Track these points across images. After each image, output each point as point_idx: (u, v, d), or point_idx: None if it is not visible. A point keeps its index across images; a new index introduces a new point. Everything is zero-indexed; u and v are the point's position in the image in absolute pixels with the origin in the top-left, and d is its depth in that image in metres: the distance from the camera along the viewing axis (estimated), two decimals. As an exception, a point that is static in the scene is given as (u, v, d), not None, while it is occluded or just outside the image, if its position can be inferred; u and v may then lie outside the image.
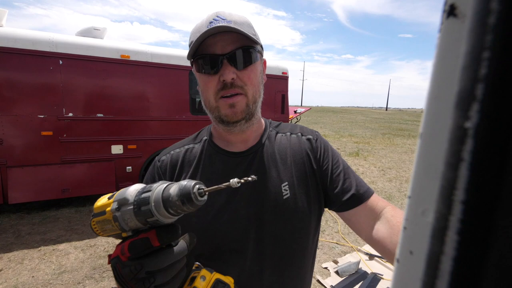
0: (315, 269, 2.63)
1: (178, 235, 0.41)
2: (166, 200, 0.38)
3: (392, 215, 0.60)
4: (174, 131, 4.18)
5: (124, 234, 0.42)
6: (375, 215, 0.63)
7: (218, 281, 0.46)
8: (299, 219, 0.64)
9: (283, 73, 5.08)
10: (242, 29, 0.57)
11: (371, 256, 2.86)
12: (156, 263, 0.38)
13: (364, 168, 6.91)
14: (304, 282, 0.70)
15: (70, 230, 3.30)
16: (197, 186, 0.38)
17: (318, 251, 2.89)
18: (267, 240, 0.62)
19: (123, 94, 3.83)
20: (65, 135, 3.56)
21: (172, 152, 0.71)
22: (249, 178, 0.41)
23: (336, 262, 2.77)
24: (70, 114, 3.55)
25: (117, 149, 3.87)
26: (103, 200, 0.44)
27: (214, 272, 0.47)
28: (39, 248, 2.89)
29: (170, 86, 4.12)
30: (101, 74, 3.68)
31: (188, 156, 0.69)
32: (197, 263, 0.49)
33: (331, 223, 3.68)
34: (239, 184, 0.40)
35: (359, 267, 2.64)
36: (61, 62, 3.44)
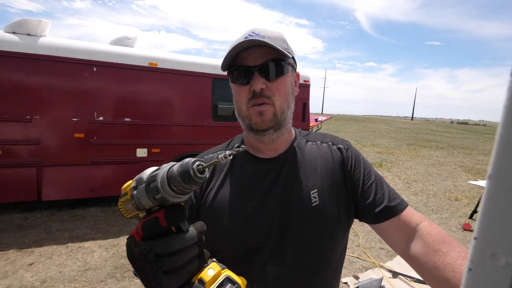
0: (335, 283, 2.54)
1: (184, 215, 0.41)
2: (169, 178, 0.39)
3: (428, 232, 0.58)
4: (196, 136, 4.28)
5: (140, 215, 0.44)
6: (409, 230, 0.61)
7: (227, 278, 0.43)
8: (327, 227, 0.64)
9: (304, 81, 5.07)
10: (273, 44, 0.61)
11: (395, 274, 2.72)
12: (164, 246, 0.38)
13: (387, 180, 6.64)
14: None
15: (96, 229, 3.45)
16: (196, 162, 0.38)
17: (337, 265, 2.80)
18: (291, 246, 0.63)
19: (149, 100, 4.00)
20: (95, 138, 3.76)
21: (205, 156, 0.75)
22: (240, 149, 0.42)
23: (356, 277, 2.67)
24: (101, 118, 3.76)
25: (141, 152, 4.03)
26: (128, 182, 0.47)
27: (226, 269, 0.44)
28: (67, 245, 3.05)
29: (193, 92, 4.25)
30: (130, 81, 3.87)
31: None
32: (213, 259, 0.46)
33: (352, 236, 3.55)
34: (231, 156, 0.40)
35: (382, 284, 2.52)
36: (95, 69, 3.66)
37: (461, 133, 28.14)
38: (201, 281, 0.41)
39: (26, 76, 3.39)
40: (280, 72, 0.64)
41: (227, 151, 0.40)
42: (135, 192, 0.42)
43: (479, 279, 0.11)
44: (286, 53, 0.63)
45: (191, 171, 0.37)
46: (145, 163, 4.05)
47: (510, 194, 0.10)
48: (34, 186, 3.54)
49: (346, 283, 2.58)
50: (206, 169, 0.39)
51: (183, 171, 0.37)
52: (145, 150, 4.04)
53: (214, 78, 4.31)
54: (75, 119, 3.64)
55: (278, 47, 0.61)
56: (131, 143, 3.96)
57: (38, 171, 3.54)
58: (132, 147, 3.98)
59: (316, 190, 0.65)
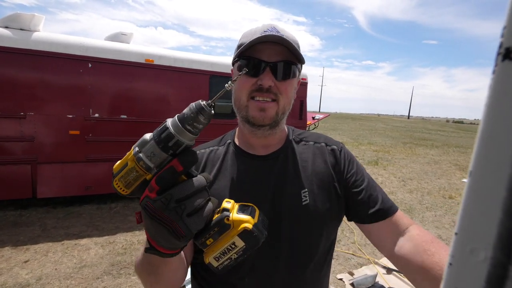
0: (330, 279, 2.57)
1: (196, 157, 0.45)
2: (182, 119, 0.43)
3: (417, 233, 0.60)
4: (193, 134, 4.27)
5: (149, 177, 0.44)
6: (398, 232, 0.63)
7: (242, 205, 0.50)
8: (317, 225, 0.65)
9: (302, 79, 5.06)
10: (291, 46, 0.61)
11: (389, 270, 2.75)
12: (183, 190, 0.42)
13: (383, 177, 6.70)
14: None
15: (92, 226, 3.43)
16: (204, 101, 0.44)
17: (333, 261, 2.83)
18: (283, 243, 0.64)
19: (145, 97, 3.97)
20: (90, 135, 3.73)
21: (197, 152, 0.75)
22: (243, 71, 0.49)
23: (351, 274, 2.69)
24: (96, 115, 3.73)
25: (138, 150, 4.01)
26: (120, 161, 0.48)
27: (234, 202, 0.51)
28: (63, 242, 3.03)
29: (190, 90, 4.23)
30: (126, 77, 3.84)
31: (212, 157, 0.72)
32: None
33: (347, 233, 3.59)
34: (235, 81, 0.47)
35: (376, 280, 2.55)
36: (90, 65, 3.62)
37: (456, 132, 28.39)
38: (225, 209, 0.47)
39: (19, 72, 3.34)
40: (290, 74, 0.64)
41: (229, 81, 0.46)
42: (141, 154, 0.43)
43: (459, 273, 0.11)
44: (301, 58, 0.64)
45: (203, 105, 0.43)
46: (141, 161, 4.03)
47: (490, 191, 0.10)
48: (29, 183, 3.50)
49: (341, 279, 2.61)
50: (214, 104, 0.44)
51: (196, 108, 0.43)
52: (141, 147, 4.02)
53: (212, 75, 4.29)
54: (70, 116, 3.60)
55: (295, 50, 0.62)
56: (127, 140, 3.93)
57: (33, 168, 3.51)
58: (128, 145, 3.89)
59: (306, 189, 0.66)
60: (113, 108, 3.82)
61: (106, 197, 4.28)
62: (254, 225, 0.46)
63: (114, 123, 3.84)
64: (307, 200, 0.65)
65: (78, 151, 3.69)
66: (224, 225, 0.45)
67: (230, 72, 0.74)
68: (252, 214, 0.47)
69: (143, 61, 3.89)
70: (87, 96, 3.65)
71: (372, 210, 0.65)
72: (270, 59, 0.62)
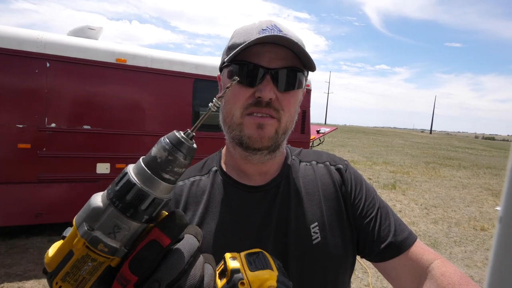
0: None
1: (185, 218, 0.40)
2: (152, 164, 0.36)
3: (442, 273, 0.58)
4: (171, 149, 4.25)
5: (114, 262, 0.38)
6: (420, 270, 0.62)
7: (247, 255, 0.46)
8: (332, 267, 0.64)
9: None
10: (298, 48, 0.59)
11: (412, 321, 2.71)
12: (174, 269, 0.36)
13: (402, 204, 6.72)
14: None
15: (40, 263, 3.31)
16: (180, 132, 0.38)
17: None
18: None
19: (115, 104, 3.97)
20: (44, 149, 3.67)
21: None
22: (233, 82, 0.45)
23: (366, 325, 2.63)
24: (53, 125, 3.69)
25: (103, 168, 3.95)
26: (54, 247, 0.39)
27: (237, 253, 0.47)
28: (2, 285, 2.90)
29: (170, 96, 4.25)
30: (92, 80, 3.85)
31: (194, 191, 0.68)
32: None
33: (360, 274, 3.54)
34: (222, 98, 0.42)
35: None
36: (48, 64, 3.63)
37: (487, 149, 28.96)
38: (235, 271, 0.43)
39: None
40: (295, 84, 0.62)
41: (215, 98, 0.41)
42: (96, 233, 0.35)
43: None
44: (312, 63, 0.62)
45: (181, 138, 0.37)
46: (106, 181, 3.96)
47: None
48: (-37, 209, 3.39)
49: (353, 332, 2.55)
50: (193, 133, 0.39)
51: (173, 144, 0.36)
52: (108, 165, 3.97)
53: (197, 78, 4.34)
54: (20, 126, 3.55)
55: (307, 53, 0.60)
56: (90, 156, 3.89)
57: (-31, 190, 3.41)
58: (91, 162, 3.90)
59: (316, 223, 0.64)
60: (74, 117, 3.80)
61: (60, 226, 4.16)
62: (278, 280, 0.43)
63: (74, 135, 3.81)
64: (318, 237, 0.63)
65: (28, 169, 3.61)
66: None
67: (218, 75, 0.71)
68: (267, 265, 0.44)
69: (113, 61, 3.92)
70: (42, 102, 3.62)
71: (383, 244, 0.64)
72: (270, 64, 0.59)
